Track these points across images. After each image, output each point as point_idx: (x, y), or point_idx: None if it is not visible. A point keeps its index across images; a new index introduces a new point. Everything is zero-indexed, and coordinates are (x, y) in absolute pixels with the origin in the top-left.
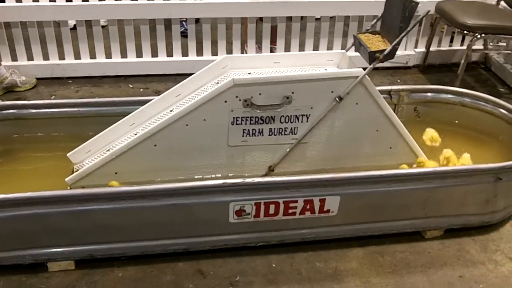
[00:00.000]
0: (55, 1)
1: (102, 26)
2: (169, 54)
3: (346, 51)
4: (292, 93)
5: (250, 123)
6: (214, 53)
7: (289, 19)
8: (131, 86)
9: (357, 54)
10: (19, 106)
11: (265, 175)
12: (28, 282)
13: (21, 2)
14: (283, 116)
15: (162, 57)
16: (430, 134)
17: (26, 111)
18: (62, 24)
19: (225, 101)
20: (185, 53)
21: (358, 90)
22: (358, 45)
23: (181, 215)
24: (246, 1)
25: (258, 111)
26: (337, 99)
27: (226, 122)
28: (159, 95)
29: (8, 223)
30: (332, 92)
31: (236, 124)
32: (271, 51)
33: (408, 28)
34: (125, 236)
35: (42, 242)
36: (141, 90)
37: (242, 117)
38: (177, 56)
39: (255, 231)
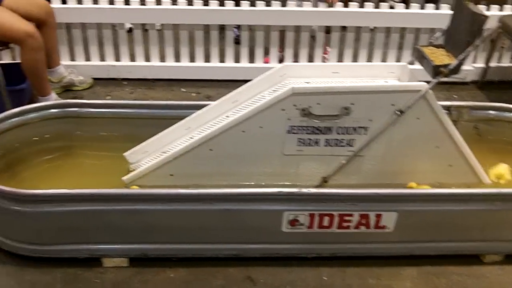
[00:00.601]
0: (113, 4)
1: (158, 30)
2: (222, 59)
3: (409, 64)
4: (352, 104)
5: (307, 133)
6: (251, 60)
7: (343, 28)
8: (183, 90)
9: (417, 66)
10: (80, 104)
11: (319, 186)
12: (83, 275)
13: (81, 4)
14: (340, 127)
15: (215, 62)
16: (500, 171)
17: (87, 109)
18: (119, 26)
19: (283, 109)
20: (237, 59)
21: (420, 105)
22: (421, 58)
23: (234, 221)
24: (300, 10)
25: (316, 121)
26: (397, 112)
27: (282, 130)
28: (210, 100)
29: (67, 217)
30: (392, 105)
31: (292, 133)
32: (322, 61)
33: (477, 43)
34: (178, 238)
35: (98, 238)
36: (193, 94)
37: (298, 126)
38: (230, 62)
39: (307, 242)
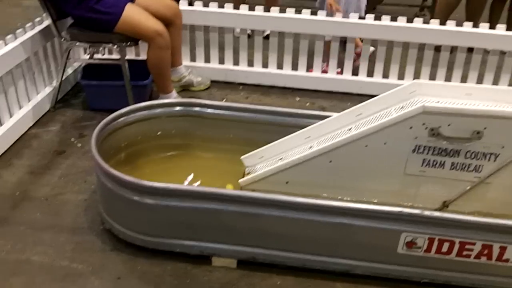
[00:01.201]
0: (238, 9)
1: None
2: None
3: None
4: (484, 128)
5: (432, 154)
6: (385, 75)
7: (470, 50)
8: (297, 99)
9: None
10: (203, 104)
11: (438, 210)
12: (192, 271)
13: (207, 7)
14: (469, 151)
15: (332, 74)
16: None
17: (208, 110)
18: (241, 32)
19: (411, 127)
20: (355, 72)
21: None
22: None
23: (349, 236)
24: (433, 28)
25: (444, 142)
26: None
27: (407, 149)
28: (325, 111)
29: (184, 213)
30: None
31: (418, 152)
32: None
33: None
34: (289, 246)
35: (210, 237)
36: (307, 104)
37: (425, 146)
38: (347, 75)
39: (422, 267)
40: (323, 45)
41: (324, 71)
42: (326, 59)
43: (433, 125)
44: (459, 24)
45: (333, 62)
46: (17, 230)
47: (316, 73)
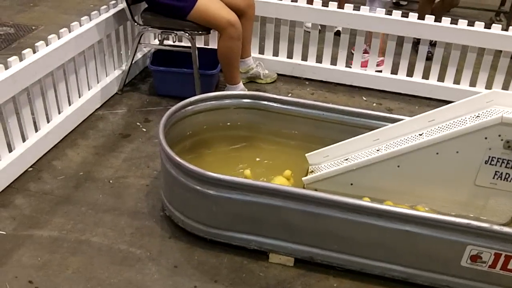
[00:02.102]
0: (312, 4)
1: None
2: (410, 74)
3: None
4: None
5: (506, 167)
6: (457, 81)
7: None
8: (364, 98)
9: None
10: (270, 98)
11: (506, 225)
12: (248, 266)
13: (281, 0)
14: None
15: (401, 75)
16: None
17: (275, 104)
18: (312, 26)
19: (485, 138)
20: (425, 76)
21: None
22: None
23: (412, 244)
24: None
25: None
26: None
27: (479, 159)
28: (391, 112)
29: (246, 207)
30: None
31: (490, 164)
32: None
33: None
34: (349, 249)
35: (270, 233)
36: (374, 104)
37: (498, 158)
38: (417, 78)
39: (484, 281)
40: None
41: (379, 64)
42: (380, 54)
43: (509, 137)
44: None
45: (404, 63)
46: (78, 210)
47: (385, 73)
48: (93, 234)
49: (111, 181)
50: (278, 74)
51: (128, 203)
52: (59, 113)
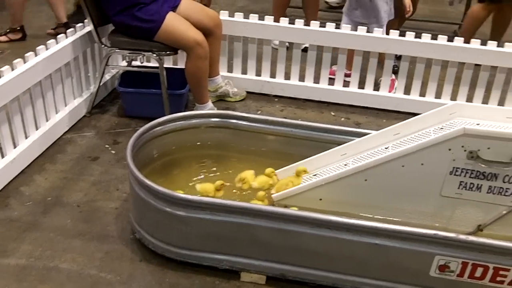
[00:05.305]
0: (278, 22)
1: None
2: (376, 88)
3: None
4: None
5: (470, 177)
6: (422, 94)
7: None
8: (333, 113)
9: None
10: (239, 117)
11: (473, 233)
12: (220, 286)
13: (247, 19)
14: (507, 175)
15: (368, 89)
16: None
17: (244, 122)
18: (280, 44)
19: (449, 149)
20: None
21: None
22: None
23: (381, 257)
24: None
25: (483, 165)
26: None
27: (444, 170)
28: (360, 127)
29: (215, 226)
30: None
31: (455, 174)
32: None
33: None
34: (320, 265)
35: (240, 251)
36: (342, 119)
37: (463, 169)
38: (384, 91)
39: None
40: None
41: (332, 74)
42: (348, 67)
43: (472, 148)
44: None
45: (370, 77)
46: (47, 236)
47: (353, 88)
48: (62, 260)
49: (80, 205)
50: (247, 92)
51: (97, 227)
52: (26, 138)
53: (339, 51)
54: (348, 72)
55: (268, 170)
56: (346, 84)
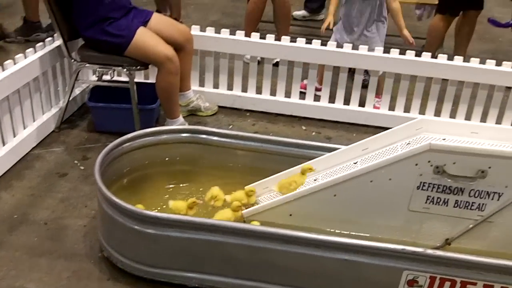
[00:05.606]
0: (249, 37)
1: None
2: (347, 102)
3: None
4: (489, 168)
5: (437, 191)
6: (391, 108)
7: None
8: (304, 128)
9: None
10: (209, 132)
11: (441, 247)
12: None
13: (219, 34)
14: (473, 190)
15: (338, 104)
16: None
17: (215, 138)
18: (251, 58)
19: (416, 164)
20: (362, 103)
21: None
22: None
23: (351, 272)
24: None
25: (449, 180)
26: None
27: (412, 185)
28: (330, 141)
29: (185, 244)
30: None
31: (422, 189)
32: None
33: None
34: (291, 280)
35: (211, 269)
36: (313, 133)
37: (429, 183)
38: (354, 106)
39: None
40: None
41: (303, 87)
42: (319, 81)
43: (438, 163)
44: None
45: (340, 92)
46: (12, 255)
47: (323, 102)
48: (28, 280)
49: (47, 223)
50: (219, 106)
51: (64, 245)
52: None
53: (309, 66)
54: (319, 86)
55: (248, 188)
56: (317, 98)
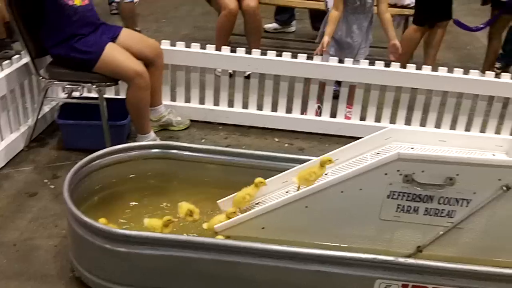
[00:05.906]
0: (219, 51)
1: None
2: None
3: None
4: (457, 175)
5: (407, 200)
6: (363, 118)
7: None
8: (276, 139)
9: None
10: (180, 147)
11: (413, 255)
12: None
13: (189, 48)
14: (442, 197)
15: (310, 115)
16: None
17: (186, 153)
18: (222, 72)
19: (386, 174)
20: (333, 114)
21: None
22: None
23: (324, 283)
24: (410, 72)
25: (418, 188)
26: (504, 188)
27: (382, 194)
28: (303, 152)
29: (157, 261)
30: (499, 180)
31: (392, 198)
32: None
33: None
34: None
35: (185, 285)
36: (286, 145)
37: (399, 192)
38: (326, 117)
39: None
40: (302, 87)
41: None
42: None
43: (407, 172)
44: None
45: (312, 103)
46: None
47: (295, 114)
48: None
49: (16, 244)
50: (191, 120)
51: (35, 267)
52: None
53: (280, 78)
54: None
55: (230, 210)
56: (289, 110)
